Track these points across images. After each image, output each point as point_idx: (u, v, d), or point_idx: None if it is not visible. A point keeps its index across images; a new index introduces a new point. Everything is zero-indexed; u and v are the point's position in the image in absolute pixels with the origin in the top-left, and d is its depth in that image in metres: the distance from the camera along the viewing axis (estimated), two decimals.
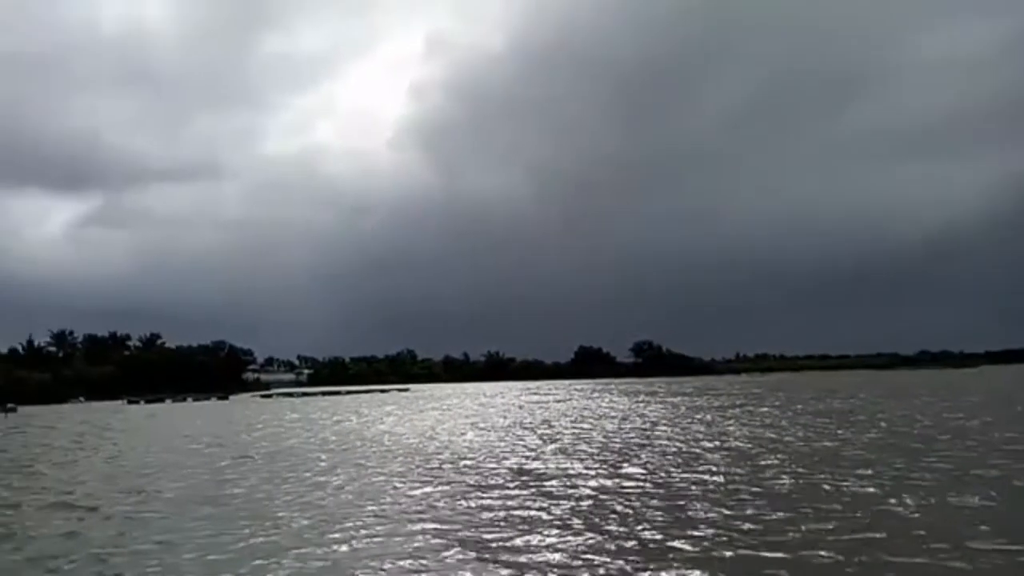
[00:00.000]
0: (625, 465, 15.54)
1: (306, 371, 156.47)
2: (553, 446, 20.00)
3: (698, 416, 29.92)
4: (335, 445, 22.84)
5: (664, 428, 24.71)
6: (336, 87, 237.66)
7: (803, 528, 9.29)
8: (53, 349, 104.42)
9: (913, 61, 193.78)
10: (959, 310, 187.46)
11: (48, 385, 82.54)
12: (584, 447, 19.43)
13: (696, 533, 9.21)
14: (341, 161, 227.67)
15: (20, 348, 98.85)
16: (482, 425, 29.22)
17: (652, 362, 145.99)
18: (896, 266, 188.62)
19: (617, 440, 20.98)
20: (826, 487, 12.04)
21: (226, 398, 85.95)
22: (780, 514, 10.10)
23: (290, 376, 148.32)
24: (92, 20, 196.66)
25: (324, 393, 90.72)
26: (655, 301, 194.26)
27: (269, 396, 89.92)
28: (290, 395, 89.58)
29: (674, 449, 18.21)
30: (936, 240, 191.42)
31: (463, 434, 25.17)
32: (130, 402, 79.13)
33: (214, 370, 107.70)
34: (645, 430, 24.14)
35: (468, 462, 17.02)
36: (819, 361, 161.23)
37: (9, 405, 64.00)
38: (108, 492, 14.45)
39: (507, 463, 16.55)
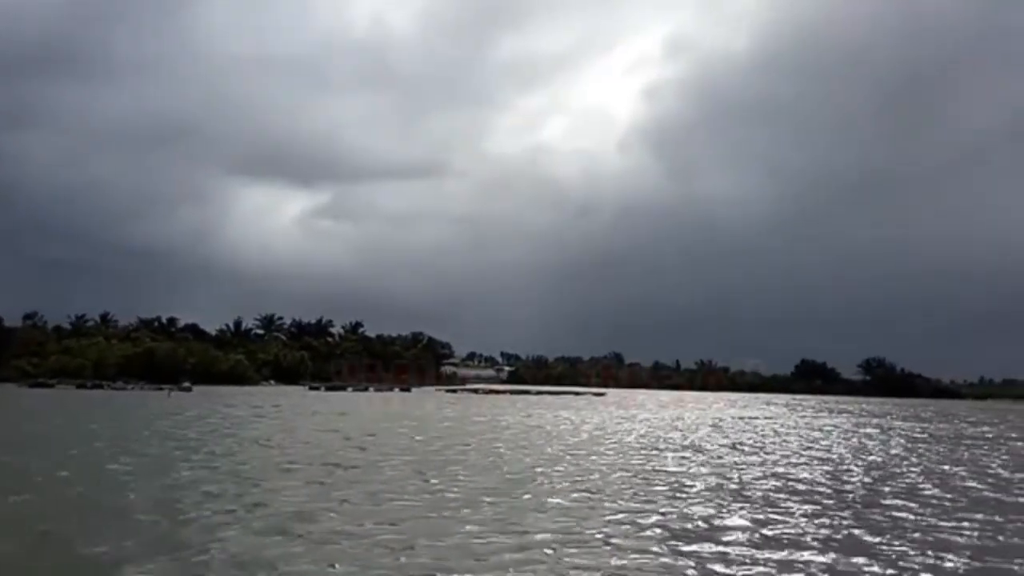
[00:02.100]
0: None
1: (507, 368, 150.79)
2: None
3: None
4: None
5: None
6: (567, 88, 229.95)
7: None
8: (260, 332, 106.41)
9: None
10: None
11: (240, 367, 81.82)
12: None
13: None
14: (567, 161, 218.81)
15: (227, 329, 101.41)
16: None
17: (882, 382, 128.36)
18: None
19: None
20: None
21: (408, 390, 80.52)
22: None
23: (490, 372, 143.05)
24: (342, 24, 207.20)
25: (512, 392, 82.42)
26: (890, 317, 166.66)
27: (454, 391, 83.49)
28: (475, 391, 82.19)
29: None
30: None
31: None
32: (311, 388, 76.21)
33: (408, 361, 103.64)
34: None
35: None
36: None
37: (185, 384, 63.89)
38: None
39: None
